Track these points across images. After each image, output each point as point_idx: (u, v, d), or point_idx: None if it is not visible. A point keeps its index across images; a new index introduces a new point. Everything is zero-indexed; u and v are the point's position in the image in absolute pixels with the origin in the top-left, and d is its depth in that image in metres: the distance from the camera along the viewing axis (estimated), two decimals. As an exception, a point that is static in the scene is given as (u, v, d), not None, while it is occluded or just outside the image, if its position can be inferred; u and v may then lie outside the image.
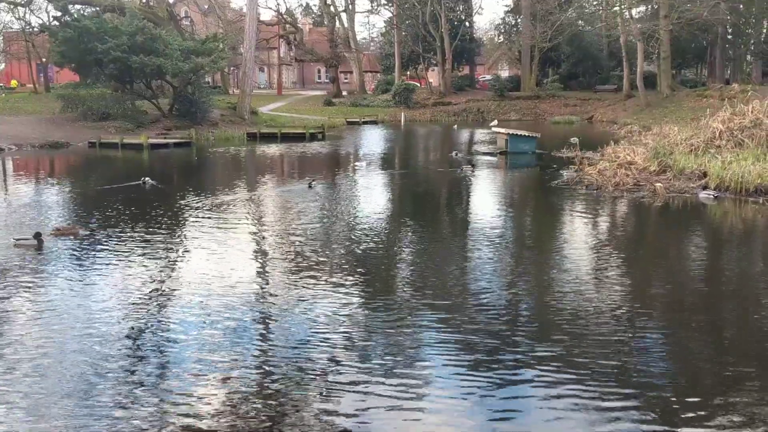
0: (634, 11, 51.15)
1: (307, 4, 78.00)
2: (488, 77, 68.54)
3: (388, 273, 9.41)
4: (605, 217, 14.07)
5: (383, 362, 6.23)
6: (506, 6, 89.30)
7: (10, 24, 56.70)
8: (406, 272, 9.44)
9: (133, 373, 6.01)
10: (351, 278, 8.91)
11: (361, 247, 10.76)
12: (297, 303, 7.89)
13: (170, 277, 9.07)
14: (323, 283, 8.66)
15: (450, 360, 6.31)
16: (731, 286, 9.06)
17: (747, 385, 5.76)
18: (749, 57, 56.38)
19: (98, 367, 6.10)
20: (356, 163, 23.31)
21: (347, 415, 5.27)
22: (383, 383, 5.79)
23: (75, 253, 10.22)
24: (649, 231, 13.30)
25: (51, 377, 5.91)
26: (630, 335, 6.94)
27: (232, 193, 16.54)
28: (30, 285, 8.63)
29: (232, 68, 59.43)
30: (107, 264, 9.58)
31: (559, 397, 5.54)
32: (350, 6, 63.15)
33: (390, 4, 63.23)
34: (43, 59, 53.22)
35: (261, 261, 10.07)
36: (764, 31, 51.89)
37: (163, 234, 11.62)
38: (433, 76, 68.02)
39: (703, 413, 5.29)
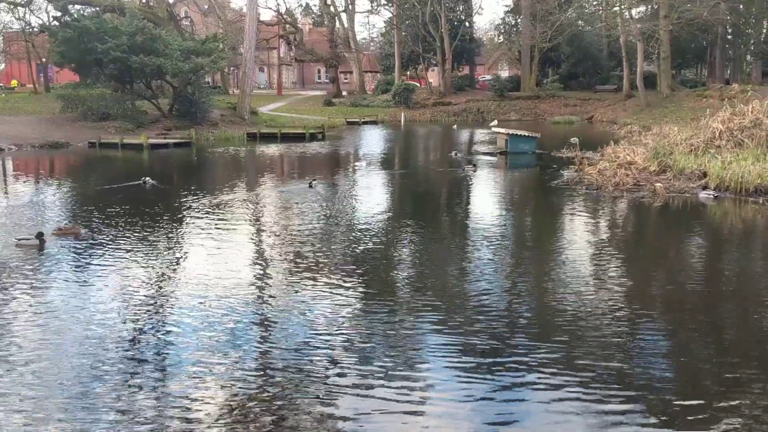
0: (634, 11, 51.19)
1: (307, 4, 78.05)
2: (488, 77, 68.56)
3: (389, 273, 9.40)
4: (605, 217, 14.07)
5: (383, 364, 6.22)
6: (506, 6, 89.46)
7: (10, 24, 56.81)
8: (407, 273, 9.43)
9: (133, 374, 6.00)
10: (351, 279, 8.91)
11: (361, 248, 10.76)
12: (297, 304, 7.88)
13: (171, 277, 9.06)
14: (324, 283, 8.65)
15: (450, 362, 6.29)
16: (731, 286, 9.05)
17: (748, 387, 5.75)
18: (749, 57, 56.36)
19: (98, 367, 6.09)
20: (356, 163, 23.31)
21: (347, 418, 5.26)
22: (383, 386, 5.77)
23: (77, 253, 10.22)
24: (649, 231, 13.30)
25: (51, 378, 5.90)
26: (630, 336, 6.93)
27: (233, 193, 16.54)
28: (32, 285, 8.62)
29: (232, 68, 59.43)
30: (109, 264, 9.57)
31: (560, 399, 5.52)
32: (350, 6, 63.19)
33: (390, 4, 63.22)
34: (43, 59, 53.22)
35: (262, 261, 10.06)
36: (764, 31, 51.89)
37: (164, 234, 11.62)
38: (433, 76, 68.02)
39: (704, 415, 5.28)
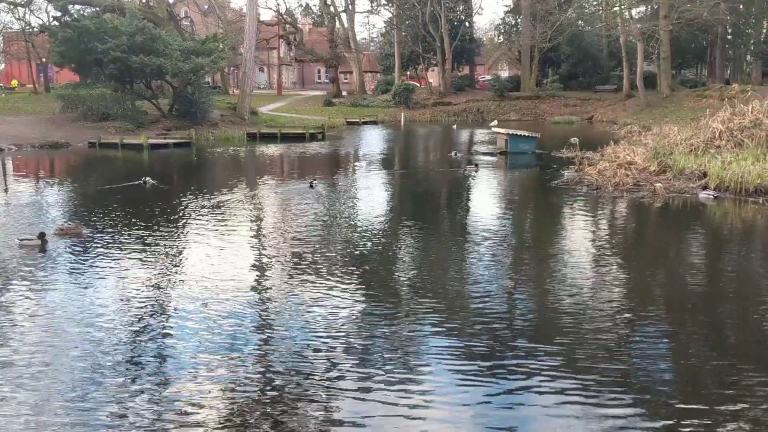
0: (634, 11, 51.22)
1: (307, 4, 78.02)
2: (488, 77, 68.57)
3: (389, 275, 9.40)
4: (605, 217, 14.08)
5: (383, 367, 6.21)
6: (506, 6, 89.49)
7: (10, 24, 56.83)
8: (407, 274, 9.43)
9: (133, 376, 6.00)
10: (352, 280, 8.91)
11: (362, 249, 10.77)
12: (298, 306, 7.88)
13: (173, 278, 9.06)
14: (324, 285, 8.65)
15: (451, 365, 6.27)
16: (731, 286, 9.06)
17: (748, 388, 5.75)
18: (749, 57, 56.38)
19: (98, 368, 6.10)
20: (356, 164, 23.32)
21: (346, 422, 5.25)
22: (383, 389, 5.75)
23: (79, 253, 10.23)
24: (649, 231, 13.30)
25: (51, 379, 5.90)
26: (631, 338, 6.93)
27: (233, 193, 16.53)
28: (34, 286, 8.62)
29: (232, 68, 59.44)
30: (110, 265, 9.58)
31: (561, 403, 5.50)
32: (350, 6, 63.21)
33: (390, 5, 63.23)
34: (43, 59, 53.23)
35: (263, 262, 10.06)
36: (764, 31, 51.90)
37: (165, 234, 11.62)
38: (433, 77, 68.02)
39: (705, 417, 5.28)
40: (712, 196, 15.18)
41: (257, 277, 9.18)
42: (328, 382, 5.85)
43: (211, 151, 28.28)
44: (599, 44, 60.77)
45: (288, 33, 64.79)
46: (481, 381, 5.90)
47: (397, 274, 9.40)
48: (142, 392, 5.65)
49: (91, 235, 11.39)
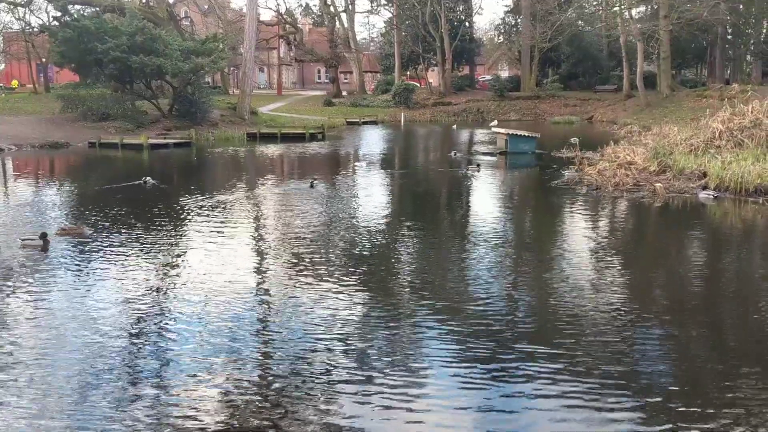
0: (634, 11, 51.23)
1: (307, 4, 78.05)
2: (488, 77, 68.59)
3: (390, 275, 9.39)
4: (605, 217, 14.08)
5: (383, 367, 6.21)
6: (506, 6, 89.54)
7: (10, 24, 56.84)
8: (408, 274, 9.42)
9: (132, 378, 6.00)
10: (352, 281, 8.90)
11: (362, 249, 10.76)
12: (298, 305, 7.87)
13: (173, 278, 9.05)
14: (324, 285, 8.65)
15: (451, 367, 6.26)
16: (732, 286, 9.06)
17: (749, 388, 5.75)
18: (749, 57, 56.38)
19: (98, 369, 6.09)
20: (356, 164, 23.32)
21: (345, 426, 5.23)
22: (383, 388, 5.75)
23: (80, 253, 10.23)
24: (649, 231, 13.30)
25: (51, 379, 5.90)
26: (632, 338, 6.92)
27: (233, 193, 16.53)
28: (37, 286, 8.61)
29: (232, 68, 59.45)
30: (112, 265, 9.57)
31: (561, 406, 5.48)
32: (350, 6, 63.22)
33: (390, 5, 63.24)
34: (43, 59, 53.23)
35: (263, 262, 10.06)
36: (764, 31, 51.91)
37: (166, 234, 11.62)
38: (433, 77, 68.03)
39: (705, 418, 5.28)
40: (712, 196, 15.18)
41: (257, 278, 9.18)
42: (327, 385, 5.83)
43: (211, 151, 28.28)
44: (599, 44, 60.80)
45: (288, 33, 64.80)
46: (482, 384, 5.88)
47: (397, 274, 9.39)
48: (142, 394, 5.65)
49: (92, 235, 11.39)
